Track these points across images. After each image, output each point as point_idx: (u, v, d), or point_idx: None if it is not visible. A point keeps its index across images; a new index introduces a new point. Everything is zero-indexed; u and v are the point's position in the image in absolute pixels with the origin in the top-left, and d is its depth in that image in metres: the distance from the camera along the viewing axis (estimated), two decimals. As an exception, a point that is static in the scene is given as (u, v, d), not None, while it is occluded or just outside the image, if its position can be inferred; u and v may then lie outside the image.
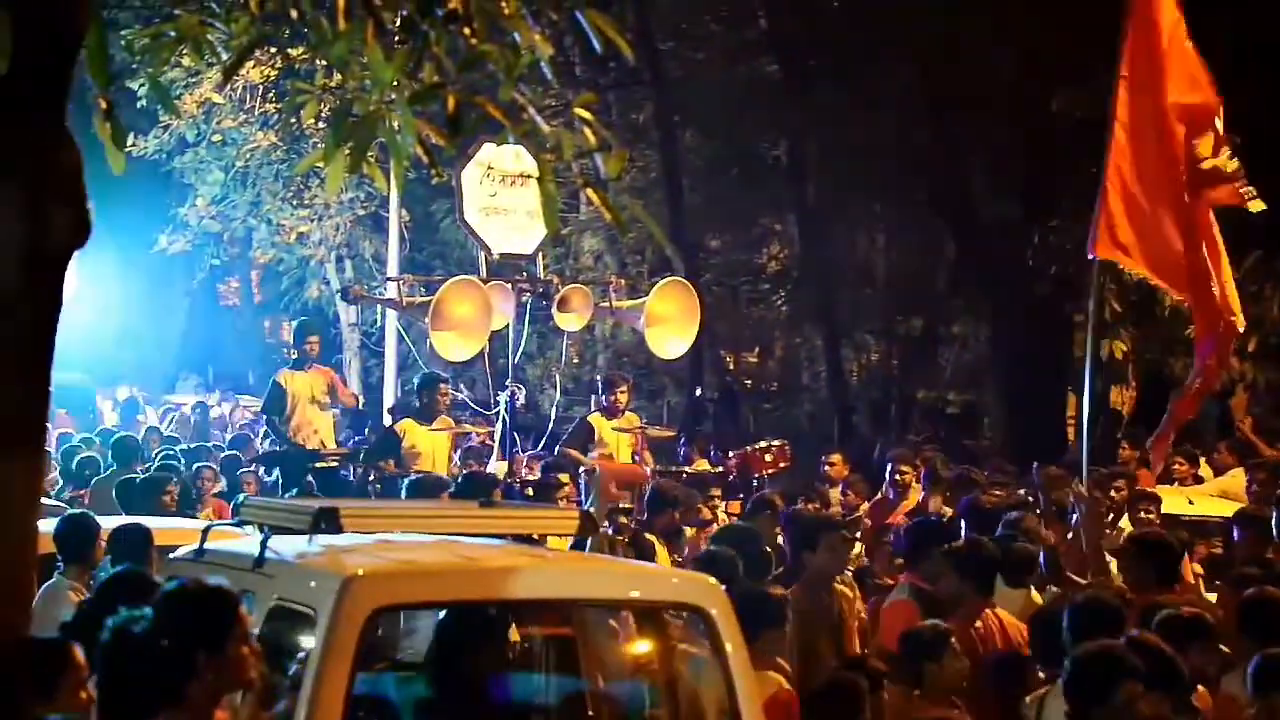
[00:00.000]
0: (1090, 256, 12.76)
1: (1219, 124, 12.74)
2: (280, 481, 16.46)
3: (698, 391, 25.47)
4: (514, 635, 7.88)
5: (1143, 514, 13.45)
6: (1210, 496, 15.85)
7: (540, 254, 17.28)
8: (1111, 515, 13.36)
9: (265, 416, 18.57)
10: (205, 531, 7.81)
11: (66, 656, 6.06)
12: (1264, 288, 21.09)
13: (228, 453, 19.46)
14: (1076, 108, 22.29)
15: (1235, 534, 12.57)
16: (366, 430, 19.67)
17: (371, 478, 16.01)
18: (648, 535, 12.24)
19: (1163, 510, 13.68)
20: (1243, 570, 10.68)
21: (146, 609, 5.39)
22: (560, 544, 8.70)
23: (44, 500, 6.59)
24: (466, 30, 5.28)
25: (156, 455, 17.50)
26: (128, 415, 26.64)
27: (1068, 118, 22.62)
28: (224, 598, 5.54)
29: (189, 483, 15.34)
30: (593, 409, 17.93)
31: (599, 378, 19.09)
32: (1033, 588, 10.61)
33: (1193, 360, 15.32)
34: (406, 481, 13.22)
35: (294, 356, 18.10)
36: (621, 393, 17.03)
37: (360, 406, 21.40)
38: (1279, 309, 21.00)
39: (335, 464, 16.42)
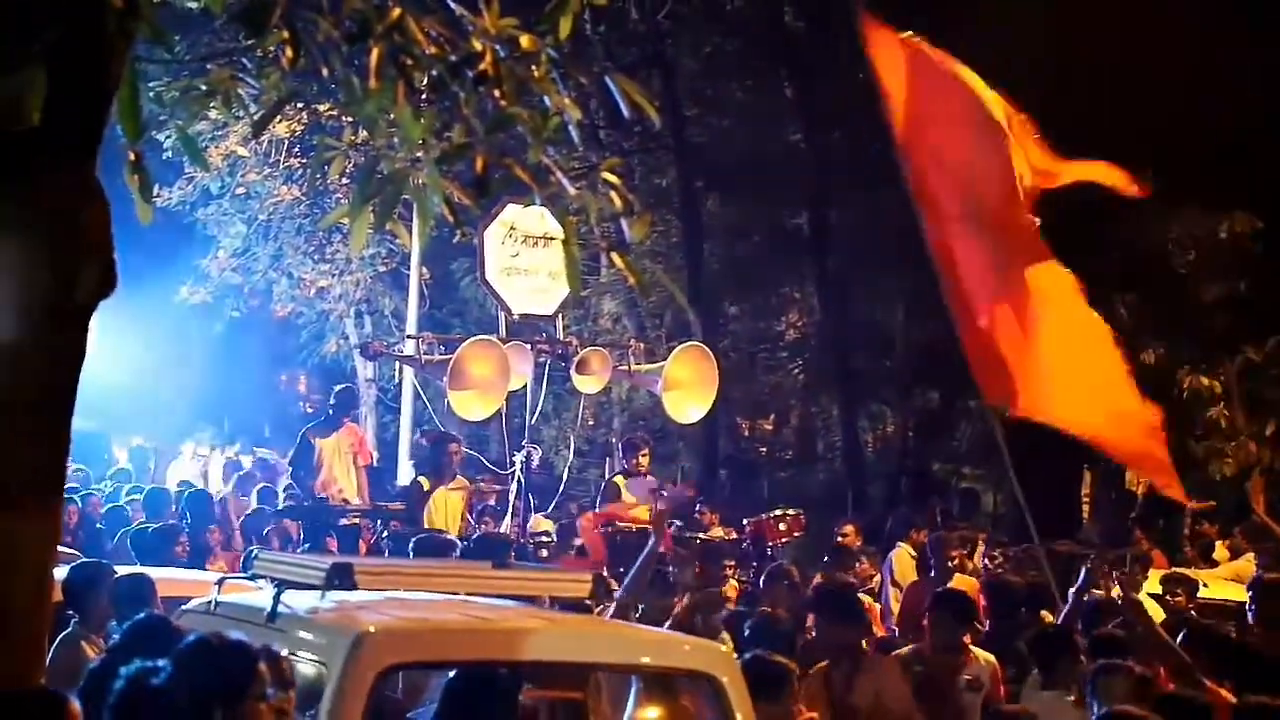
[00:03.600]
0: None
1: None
2: (301, 536, 16.45)
3: (721, 473, 25.45)
4: (523, 697, 7.85)
5: (1171, 597, 13.37)
6: (1223, 580, 15.79)
7: (559, 315, 17.28)
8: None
9: (292, 470, 18.58)
10: (219, 584, 7.80)
11: (63, 712, 5.73)
12: (1283, 372, 20.96)
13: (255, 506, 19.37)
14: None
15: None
16: (389, 489, 19.62)
17: (385, 534, 16.02)
18: None
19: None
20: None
21: (161, 661, 5.37)
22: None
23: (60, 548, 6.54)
24: (496, 92, 5.28)
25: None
26: (138, 465, 26.59)
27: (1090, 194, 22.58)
28: (244, 653, 5.52)
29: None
30: (611, 471, 17.88)
31: (615, 440, 19.07)
32: None
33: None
34: (413, 540, 13.12)
35: (329, 414, 18.17)
36: (644, 455, 17.13)
37: (375, 463, 21.37)
38: (1297, 393, 20.83)
39: (358, 520, 16.43)
